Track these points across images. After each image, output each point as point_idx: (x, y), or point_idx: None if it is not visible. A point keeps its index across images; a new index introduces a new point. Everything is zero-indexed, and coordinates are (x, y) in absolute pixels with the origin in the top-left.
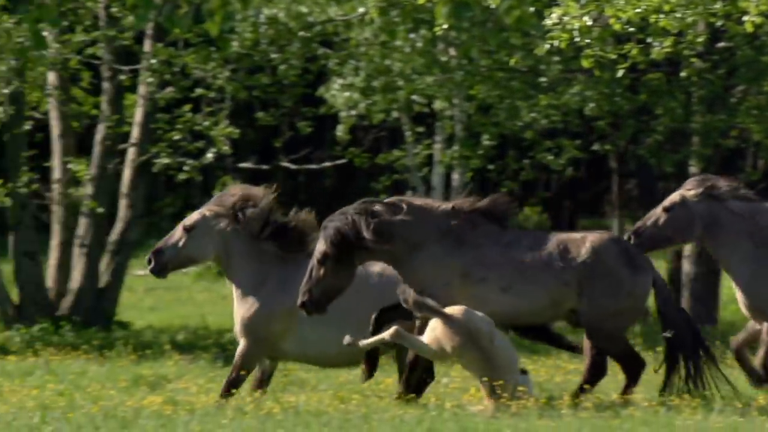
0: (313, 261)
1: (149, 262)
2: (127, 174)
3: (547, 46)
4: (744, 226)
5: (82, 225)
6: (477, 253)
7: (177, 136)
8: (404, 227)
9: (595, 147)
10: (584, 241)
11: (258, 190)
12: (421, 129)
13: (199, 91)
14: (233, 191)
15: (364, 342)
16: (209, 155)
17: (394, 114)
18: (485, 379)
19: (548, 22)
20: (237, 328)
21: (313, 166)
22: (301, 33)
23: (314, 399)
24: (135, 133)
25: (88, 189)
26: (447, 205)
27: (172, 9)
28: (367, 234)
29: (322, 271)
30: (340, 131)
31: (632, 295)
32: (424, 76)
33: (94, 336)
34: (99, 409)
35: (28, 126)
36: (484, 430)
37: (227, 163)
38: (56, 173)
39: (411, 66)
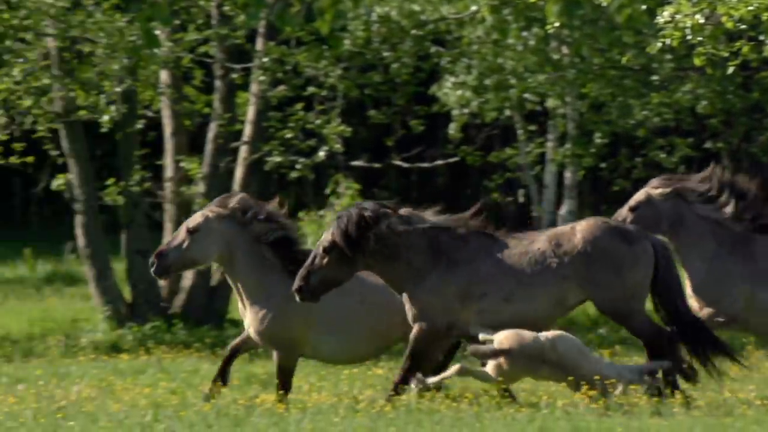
0: (318, 249)
1: (152, 264)
2: (239, 172)
3: (660, 44)
4: (708, 227)
5: None
6: (471, 270)
7: (289, 135)
8: (406, 246)
9: (708, 145)
10: (574, 232)
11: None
12: (533, 127)
13: (311, 89)
14: (235, 194)
15: (432, 380)
16: (321, 153)
17: (507, 112)
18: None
19: (660, 20)
20: (254, 335)
21: (425, 165)
22: (414, 31)
23: (426, 397)
24: (247, 131)
25: (200, 187)
26: (439, 220)
27: (283, 7)
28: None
29: (325, 261)
30: (453, 129)
31: (636, 267)
32: (537, 74)
33: (206, 334)
34: (211, 408)
35: (140, 125)
36: (596, 429)
37: (339, 161)
38: (168, 171)
39: (523, 64)
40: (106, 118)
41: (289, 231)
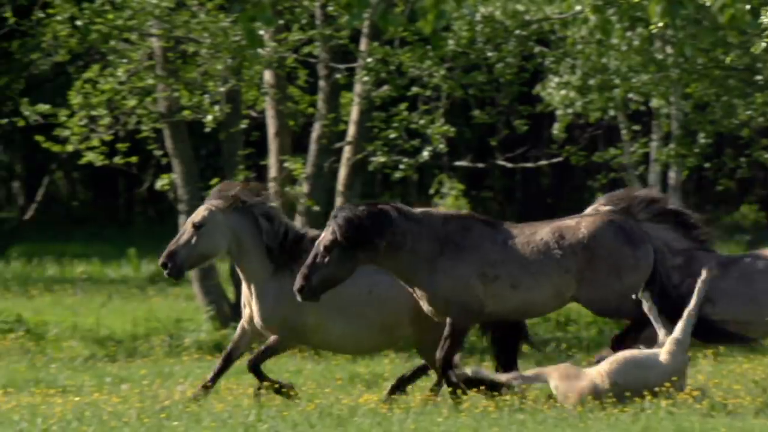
0: (319, 247)
1: (164, 266)
2: (342, 172)
3: (764, 44)
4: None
5: (298, 223)
6: (480, 254)
7: (393, 135)
8: (413, 239)
9: None
10: (579, 226)
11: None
12: (637, 127)
13: (415, 89)
14: (232, 184)
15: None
16: (425, 153)
17: (611, 112)
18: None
19: (764, 20)
20: (260, 322)
21: (529, 165)
22: (518, 31)
23: (530, 397)
24: (351, 131)
25: (304, 187)
26: (440, 212)
27: (386, 8)
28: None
29: (326, 259)
30: (557, 129)
31: (636, 271)
32: (641, 74)
33: None
34: (314, 408)
35: (244, 124)
36: (700, 429)
37: (443, 161)
38: (272, 171)
39: (627, 64)
40: (210, 118)
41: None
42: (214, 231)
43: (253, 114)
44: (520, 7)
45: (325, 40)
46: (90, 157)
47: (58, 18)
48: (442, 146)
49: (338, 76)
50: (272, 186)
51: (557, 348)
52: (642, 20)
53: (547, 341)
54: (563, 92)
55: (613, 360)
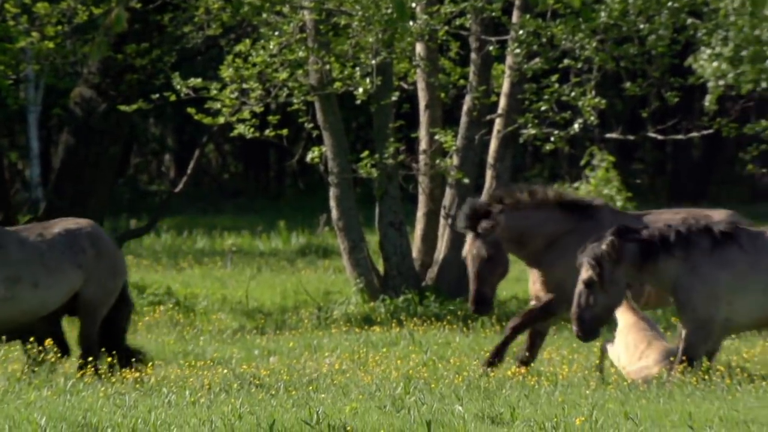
0: (580, 286)
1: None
2: (493, 144)
3: None
4: None
5: (448, 195)
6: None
7: (544, 107)
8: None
9: None
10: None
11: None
12: None
13: (566, 61)
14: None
15: None
16: (576, 126)
17: (763, 84)
18: None
19: None
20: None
21: (680, 137)
22: (670, 3)
23: (678, 371)
24: (502, 103)
25: (454, 160)
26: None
27: None
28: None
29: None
30: (708, 101)
31: None
32: None
33: (458, 307)
34: (462, 380)
35: (395, 97)
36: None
37: (594, 133)
38: (422, 144)
39: None
40: (360, 90)
41: None
42: None
43: (404, 86)
44: None
45: (477, 12)
46: (241, 129)
47: None
48: (593, 118)
49: (490, 48)
50: (422, 158)
51: None
52: None
53: None
54: (715, 64)
55: None
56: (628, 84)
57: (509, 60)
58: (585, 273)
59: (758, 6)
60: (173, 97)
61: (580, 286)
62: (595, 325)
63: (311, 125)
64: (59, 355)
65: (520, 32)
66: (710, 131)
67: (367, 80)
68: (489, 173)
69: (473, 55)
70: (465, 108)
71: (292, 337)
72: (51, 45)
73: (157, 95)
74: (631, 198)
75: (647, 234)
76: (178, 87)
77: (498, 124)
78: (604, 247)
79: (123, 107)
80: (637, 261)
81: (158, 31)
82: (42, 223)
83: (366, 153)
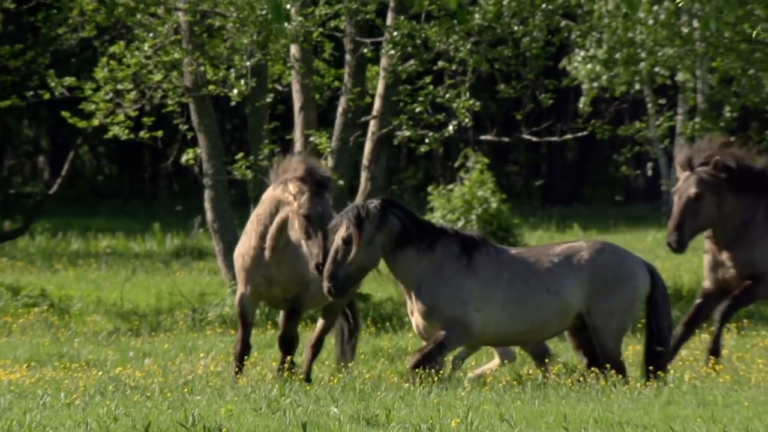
0: (338, 242)
1: None
2: (368, 146)
3: None
4: None
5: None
6: None
7: (418, 109)
8: None
9: None
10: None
11: None
12: (662, 101)
13: (441, 63)
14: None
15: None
16: (450, 127)
17: (636, 86)
18: None
19: None
20: None
21: (555, 139)
22: (544, 5)
23: (552, 372)
24: (376, 105)
25: (329, 161)
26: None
27: None
28: None
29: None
30: (582, 103)
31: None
32: (666, 48)
33: None
34: (337, 382)
35: (269, 99)
36: (723, 403)
37: (469, 135)
38: (297, 146)
39: (653, 38)
40: (235, 92)
41: None
42: None
43: (279, 88)
44: None
45: (352, 14)
46: (115, 131)
47: None
48: (467, 120)
49: (364, 50)
50: (297, 160)
51: None
52: None
53: None
54: (589, 66)
55: None
56: (502, 86)
57: (384, 62)
58: (345, 230)
59: (633, 8)
60: (47, 96)
61: (338, 242)
62: (347, 283)
63: (186, 127)
64: None
65: (395, 34)
66: (584, 133)
67: (242, 82)
68: (364, 175)
69: (348, 57)
70: (340, 110)
71: (167, 339)
72: None
73: (31, 94)
74: (505, 200)
75: (415, 220)
76: (53, 85)
77: (373, 125)
78: (371, 207)
79: None
80: (393, 238)
81: (32, 32)
82: None
83: (241, 155)
